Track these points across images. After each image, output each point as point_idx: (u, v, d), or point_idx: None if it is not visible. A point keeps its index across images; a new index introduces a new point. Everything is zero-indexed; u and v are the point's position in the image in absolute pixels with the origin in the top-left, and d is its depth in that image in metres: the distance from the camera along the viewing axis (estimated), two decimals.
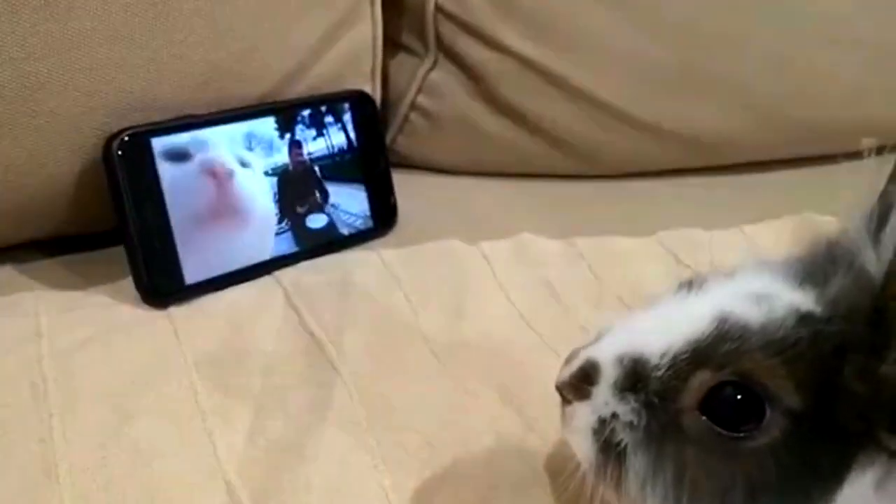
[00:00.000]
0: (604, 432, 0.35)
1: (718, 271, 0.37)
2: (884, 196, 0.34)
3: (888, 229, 0.32)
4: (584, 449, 0.35)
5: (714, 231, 0.68)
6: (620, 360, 0.35)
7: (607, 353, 0.35)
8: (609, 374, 0.35)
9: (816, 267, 0.34)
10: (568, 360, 0.37)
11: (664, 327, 0.34)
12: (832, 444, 0.31)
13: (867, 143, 0.35)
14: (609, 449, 0.34)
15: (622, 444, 0.34)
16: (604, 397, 0.35)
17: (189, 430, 0.45)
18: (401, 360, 0.52)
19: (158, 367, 0.50)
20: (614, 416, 0.34)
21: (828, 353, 0.32)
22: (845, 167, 0.84)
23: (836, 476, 0.31)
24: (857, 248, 0.33)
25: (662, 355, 0.34)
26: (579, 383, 0.35)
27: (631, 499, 0.34)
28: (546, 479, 0.44)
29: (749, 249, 0.66)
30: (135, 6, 0.58)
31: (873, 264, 0.32)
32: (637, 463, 0.34)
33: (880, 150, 0.35)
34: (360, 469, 0.44)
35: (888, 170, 0.35)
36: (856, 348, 0.31)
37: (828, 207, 0.68)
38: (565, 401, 0.37)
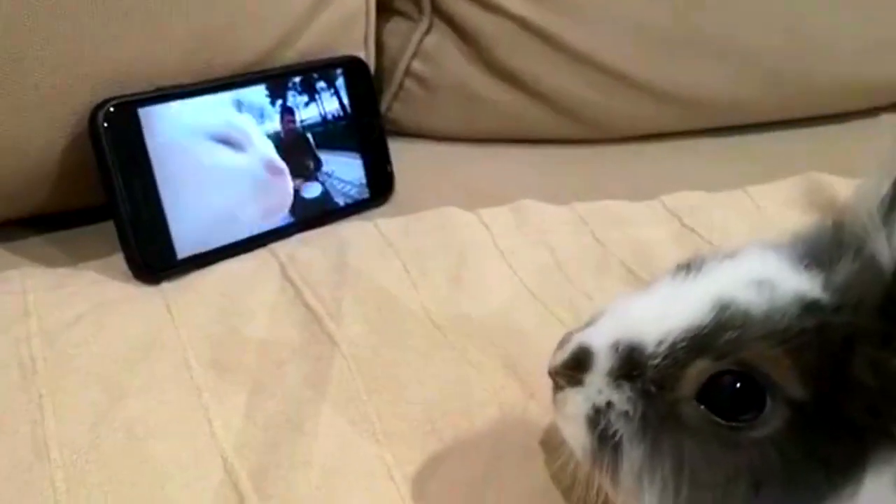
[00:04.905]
0: (598, 421, 0.33)
1: (719, 253, 0.35)
2: None
3: None
4: (577, 438, 0.34)
5: (718, 193, 0.66)
6: (615, 346, 0.33)
7: (601, 340, 0.34)
8: (603, 362, 0.33)
9: (822, 249, 0.33)
10: (560, 345, 0.35)
11: (661, 313, 0.33)
12: (841, 438, 0.30)
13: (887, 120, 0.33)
14: (604, 439, 0.33)
15: (618, 435, 0.33)
16: (597, 385, 0.33)
17: (184, 408, 0.44)
18: (400, 331, 0.51)
19: (151, 345, 0.48)
20: (609, 404, 0.33)
21: (835, 344, 0.30)
22: (852, 126, 0.83)
23: (846, 472, 0.30)
24: (867, 233, 0.31)
25: (659, 343, 0.32)
26: (572, 370, 0.34)
27: (626, 490, 0.33)
28: (550, 451, 0.43)
29: (754, 212, 0.65)
30: None
31: (885, 251, 0.30)
32: (633, 454, 0.33)
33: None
34: (360, 444, 0.43)
35: None
36: (865, 340, 0.30)
37: (833, 167, 0.68)
38: (557, 387, 0.35)
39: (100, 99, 0.55)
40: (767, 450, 0.30)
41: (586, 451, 0.34)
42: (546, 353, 0.46)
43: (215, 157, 0.58)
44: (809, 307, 0.31)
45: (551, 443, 0.43)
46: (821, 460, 0.30)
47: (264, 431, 0.43)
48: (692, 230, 0.62)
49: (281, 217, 0.61)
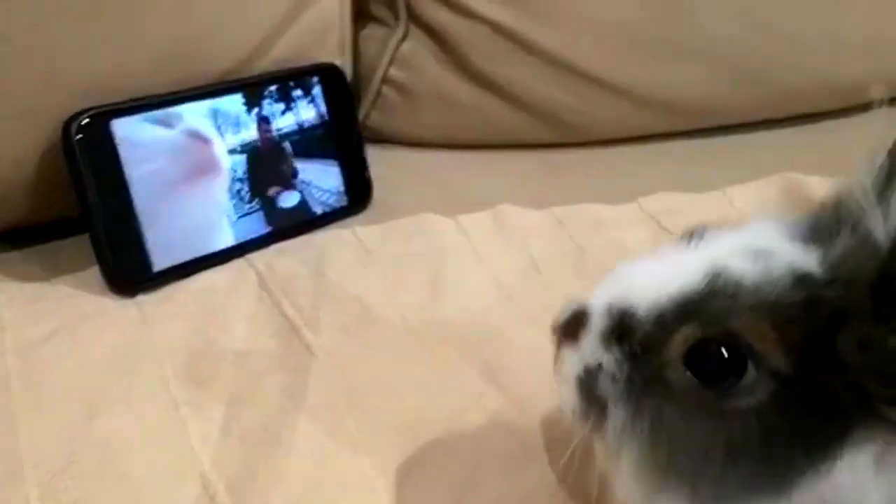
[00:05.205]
0: (589, 382, 0.34)
1: (724, 224, 0.35)
2: (893, 154, 0.32)
3: None
4: (568, 397, 0.35)
5: (695, 194, 0.67)
6: (610, 309, 0.34)
7: (599, 302, 0.34)
8: (598, 323, 0.34)
9: (822, 225, 0.33)
10: (565, 305, 0.36)
11: (657, 279, 0.33)
12: (824, 413, 0.30)
13: (877, 93, 0.33)
14: (592, 399, 0.34)
15: (605, 396, 0.33)
16: (591, 346, 0.34)
17: (161, 422, 0.44)
18: (379, 339, 0.51)
19: (128, 358, 0.48)
20: (600, 366, 0.34)
21: (823, 318, 0.30)
22: (824, 126, 0.84)
23: (826, 447, 0.30)
24: (863, 210, 0.31)
25: (651, 307, 0.33)
26: (570, 329, 0.35)
27: (609, 451, 0.34)
28: (532, 457, 0.42)
29: (732, 212, 0.65)
30: None
31: (879, 228, 0.30)
32: (616, 415, 0.33)
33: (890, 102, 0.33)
34: (339, 454, 0.43)
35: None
36: (855, 316, 0.30)
37: (807, 167, 0.68)
38: (557, 346, 0.36)
39: (73, 110, 0.55)
40: (749, 420, 0.31)
41: (575, 410, 0.34)
42: (525, 357, 0.46)
43: (149, 135, 0.57)
44: (801, 280, 0.31)
45: (535, 448, 0.43)
46: (801, 434, 0.30)
47: (242, 444, 0.43)
48: (670, 232, 0.62)
49: (258, 226, 0.61)
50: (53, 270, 0.57)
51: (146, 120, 0.57)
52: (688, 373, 0.31)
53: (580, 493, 0.39)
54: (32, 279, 0.56)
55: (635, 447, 0.32)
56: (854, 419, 0.30)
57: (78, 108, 0.55)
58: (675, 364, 0.32)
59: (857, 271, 0.30)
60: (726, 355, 0.31)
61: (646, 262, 0.35)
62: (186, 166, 0.58)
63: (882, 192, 0.31)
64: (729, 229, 0.34)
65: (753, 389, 0.30)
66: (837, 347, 0.30)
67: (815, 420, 0.30)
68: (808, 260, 0.32)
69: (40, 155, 0.57)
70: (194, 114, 0.59)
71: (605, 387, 0.33)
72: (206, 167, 0.59)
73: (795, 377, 0.30)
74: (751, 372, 0.30)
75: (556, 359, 0.36)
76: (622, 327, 0.33)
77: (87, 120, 0.54)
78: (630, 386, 0.33)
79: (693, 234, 0.35)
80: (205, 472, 0.41)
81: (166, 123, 0.58)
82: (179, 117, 0.58)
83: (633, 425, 0.32)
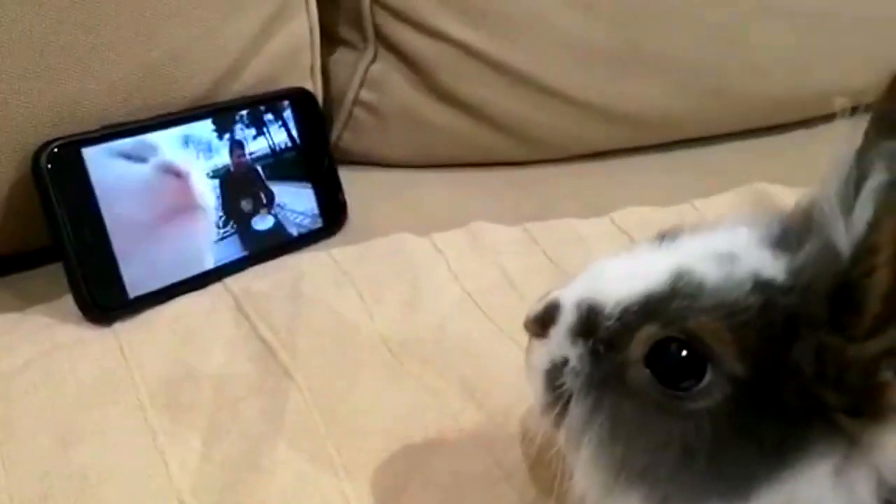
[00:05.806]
0: (555, 375, 0.34)
1: (700, 225, 0.36)
2: (860, 163, 0.32)
3: (860, 202, 0.30)
4: (534, 389, 0.35)
5: (666, 207, 0.68)
6: (579, 304, 0.34)
7: (570, 297, 0.35)
8: (566, 318, 0.34)
9: (792, 233, 0.33)
10: (542, 297, 0.36)
11: (624, 276, 0.34)
12: (779, 420, 0.30)
13: (840, 102, 0.34)
14: (557, 393, 0.34)
15: (568, 389, 0.34)
16: (558, 340, 0.35)
17: (139, 452, 0.44)
18: (357, 361, 0.51)
19: (104, 387, 0.48)
20: (566, 360, 0.34)
21: (778, 324, 0.31)
22: (789, 137, 0.85)
23: (782, 456, 0.30)
24: (827, 220, 0.31)
25: (616, 305, 0.33)
26: (540, 323, 0.35)
27: (568, 445, 0.34)
28: (511, 475, 0.43)
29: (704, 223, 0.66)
30: (60, 10, 0.55)
31: (842, 238, 0.31)
32: (576, 410, 0.34)
33: (853, 111, 0.34)
34: (319, 479, 0.43)
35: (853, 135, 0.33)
36: (812, 324, 0.30)
37: (774, 177, 0.69)
38: (530, 337, 0.36)
39: (42, 138, 0.55)
40: (702, 422, 0.31)
41: (541, 402, 0.35)
42: (502, 373, 0.47)
43: (120, 171, 0.57)
44: (761, 285, 0.31)
45: (513, 465, 0.44)
46: (756, 440, 0.31)
47: (221, 471, 0.43)
48: None
49: (234, 249, 0.61)
50: (27, 300, 0.57)
51: (119, 150, 0.57)
52: (647, 371, 0.32)
53: None
54: (5, 309, 0.56)
55: (593, 442, 0.33)
56: (811, 429, 0.30)
57: (48, 137, 0.55)
58: (636, 362, 0.32)
59: (818, 280, 0.31)
60: (685, 356, 0.31)
61: (618, 260, 0.36)
62: (161, 195, 0.58)
63: (848, 202, 0.31)
64: (701, 233, 0.35)
65: (710, 391, 0.31)
66: (793, 355, 0.30)
67: (771, 427, 0.31)
68: (773, 266, 0.32)
69: (11, 184, 0.57)
70: (169, 144, 0.59)
71: (569, 381, 0.34)
72: (182, 197, 0.59)
73: (751, 382, 0.31)
74: (709, 374, 0.31)
75: (528, 350, 0.36)
76: (589, 323, 0.34)
77: (56, 149, 0.54)
78: (591, 381, 0.33)
79: (665, 236, 0.36)
80: (184, 501, 0.41)
81: (139, 157, 0.58)
82: (154, 149, 0.58)
83: (591, 420, 0.33)
